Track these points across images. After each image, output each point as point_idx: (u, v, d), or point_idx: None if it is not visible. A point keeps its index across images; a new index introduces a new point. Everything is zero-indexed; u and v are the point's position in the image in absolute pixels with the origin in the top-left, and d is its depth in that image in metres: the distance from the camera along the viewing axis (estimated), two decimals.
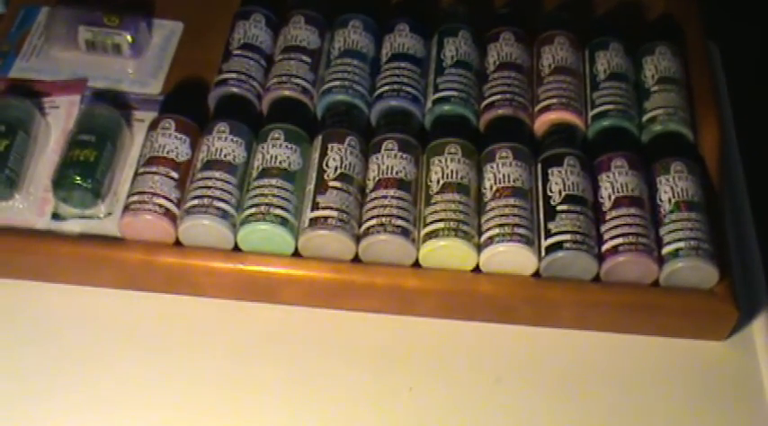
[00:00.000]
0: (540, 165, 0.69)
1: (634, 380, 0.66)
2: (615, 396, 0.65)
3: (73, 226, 0.68)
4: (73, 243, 0.67)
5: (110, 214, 0.69)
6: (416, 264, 0.66)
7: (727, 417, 0.65)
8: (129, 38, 0.76)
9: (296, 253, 0.67)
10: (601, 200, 0.67)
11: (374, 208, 0.66)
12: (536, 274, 0.66)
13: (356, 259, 0.66)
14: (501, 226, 0.65)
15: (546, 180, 0.68)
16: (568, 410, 0.65)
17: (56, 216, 0.69)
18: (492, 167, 0.68)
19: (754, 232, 0.73)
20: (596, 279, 0.66)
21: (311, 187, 0.67)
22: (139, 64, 0.77)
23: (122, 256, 0.66)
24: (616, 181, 0.68)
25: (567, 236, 0.65)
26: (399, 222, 0.65)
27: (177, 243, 0.67)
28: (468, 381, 0.66)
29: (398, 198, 0.66)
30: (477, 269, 0.66)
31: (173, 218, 0.66)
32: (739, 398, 0.66)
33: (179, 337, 0.67)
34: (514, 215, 0.66)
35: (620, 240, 0.65)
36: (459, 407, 0.65)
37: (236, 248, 0.67)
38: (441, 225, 0.65)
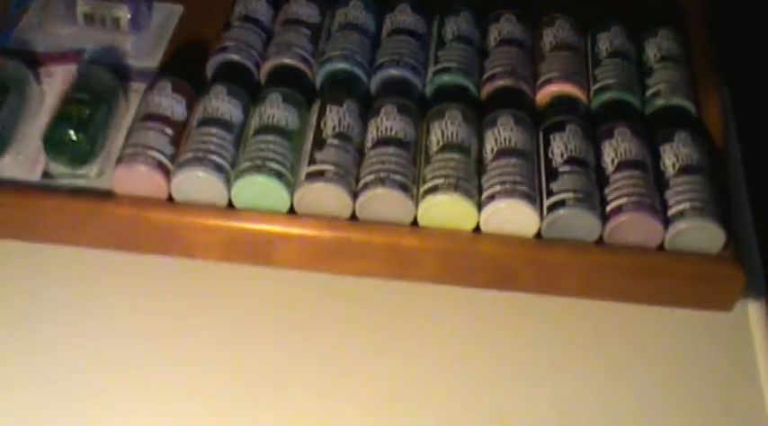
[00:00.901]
0: (541, 133, 0.68)
1: (634, 351, 0.64)
2: (615, 367, 0.63)
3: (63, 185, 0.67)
4: (61, 197, 0.65)
5: (102, 173, 0.67)
6: (416, 226, 0.65)
7: (721, 392, 0.63)
8: (127, 12, 0.75)
9: (291, 213, 0.65)
10: (604, 166, 0.66)
11: (373, 164, 0.64)
12: (538, 237, 0.64)
13: (354, 219, 0.65)
14: (502, 183, 0.64)
15: (548, 145, 0.67)
16: (568, 380, 0.62)
17: (46, 175, 0.67)
18: (493, 132, 0.67)
19: (752, 226, 0.71)
20: (600, 243, 0.64)
21: (308, 147, 0.66)
22: (138, 40, 0.76)
23: (112, 211, 0.65)
24: (619, 146, 0.66)
25: (570, 194, 0.63)
26: (398, 177, 0.64)
27: (170, 200, 0.65)
28: (467, 349, 0.63)
29: (397, 155, 0.65)
30: (478, 231, 0.65)
31: (166, 172, 0.64)
32: (733, 378, 0.63)
33: (171, 301, 0.65)
34: (516, 173, 0.64)
35: (623, 200, 0.64)
36: (457, 375, 0.62)
37: (231, 207, 0.65)
38: (440, 181, 0.64)
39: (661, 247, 0.64)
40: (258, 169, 0.64)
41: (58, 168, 0.67)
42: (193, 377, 0.61)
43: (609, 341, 0.65)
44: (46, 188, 0.66)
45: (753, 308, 0.66)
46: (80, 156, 0.66)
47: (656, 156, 0.67)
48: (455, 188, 0.63)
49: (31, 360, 0.62)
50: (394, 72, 0.71)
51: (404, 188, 0.63)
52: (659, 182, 0.66)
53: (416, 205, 0.64)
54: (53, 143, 0.66)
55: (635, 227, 0.63)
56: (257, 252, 0.65)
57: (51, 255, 0.66)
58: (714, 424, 0.61)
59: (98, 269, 0.66)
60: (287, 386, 0.61)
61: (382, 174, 0.64)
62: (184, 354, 0.62)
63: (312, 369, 0.62)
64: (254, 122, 0.67)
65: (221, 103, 0.67)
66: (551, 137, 0.67)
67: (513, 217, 0.64)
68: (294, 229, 0.64)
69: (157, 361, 0.62)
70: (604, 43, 0.74)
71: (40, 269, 0.66)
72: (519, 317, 0.65)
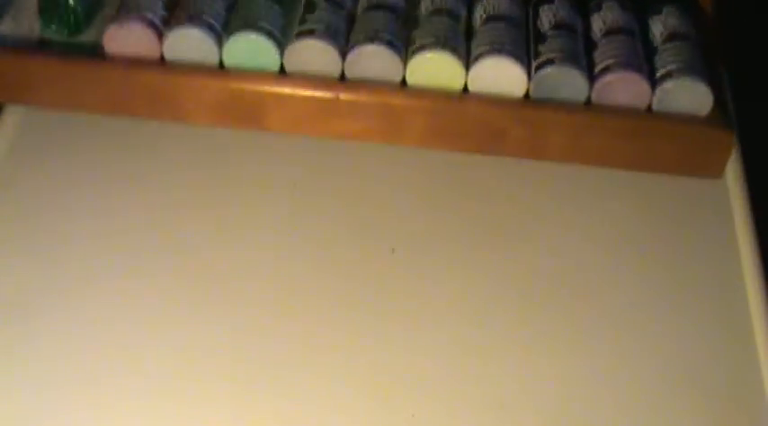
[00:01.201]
0: (531, 9, 0.69)
1: (616, 218, 0.64)
2: (598, 233, 0.63)
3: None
4: (52, 58, 0.66)
5: (96, 44, 0.68)
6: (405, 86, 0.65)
7: (699, 258, 0.62)
8: None
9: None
10: (592, 36, 0.67)
11: (362, 26, 0.65)
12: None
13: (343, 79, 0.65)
14: (490, 43, 0.64)
15: (536, 16, 0.67)
16: (551, 248, 0.62)
17: (41, 42, 0.68)
18: (482, 3, 0.68)
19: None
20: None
21: (300, 12, 0.66)
22: None
23: (104, 71, 0.65)
24: (607, 17, 0.67)
25: (557, 54, 0.64)
26: (387, 37, 0.64)
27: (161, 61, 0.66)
28: (453, 214, 0.63)
29: (387, 18, 0.65)
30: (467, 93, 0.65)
31: (158, 32, 0.65)
32: (712, 247, 0.63)
33: (161, 167, 0.65)
34: (503, 35, 0.65)
35: (610, 61, 0.64)
36: (445, 239, 0.62)
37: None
38: (428, 40, 0.64)
39: (649, 112, 0.65)
40: (249, 27, 0.64)
41: (52, 34, 0.68)
42: (185, 242, 0.61)
43: (593, 209, 0.64)
44: (36, 48, 0.67)
45: (731, 179, 0.66)
46: (75, 22, 0.67)
47: (645, 30, 0.68)
48: (443, 46, 0.64)
49: (25, 228, 0.62)
50: None
51: (393, 46, 0.64)
52: (648, 52, 0.66)
53: (405, 67, 0.65)
54: (48, 5, 0.67)
55: (622, 87, 0.64)
56: (247, 113, 0.65)
57: (42, 120, 0.67)
58: (694, 289, 0.61)
59: (89, 134, 0.66)
60: (280, 246, 0.61)
61: (371, 34, 0.64)
62: (174, 220, 0.62)
63: (303, 236, 0.62)
64: None
65: None
66: (540, 9, 0.68)
67: (500, 76, 0.64)
68: (284, 88, 0.65)
69: (147, 229, 0.62)
70: None
71: (30, 134, 0.66)
72: (505, 183, 0.65)
